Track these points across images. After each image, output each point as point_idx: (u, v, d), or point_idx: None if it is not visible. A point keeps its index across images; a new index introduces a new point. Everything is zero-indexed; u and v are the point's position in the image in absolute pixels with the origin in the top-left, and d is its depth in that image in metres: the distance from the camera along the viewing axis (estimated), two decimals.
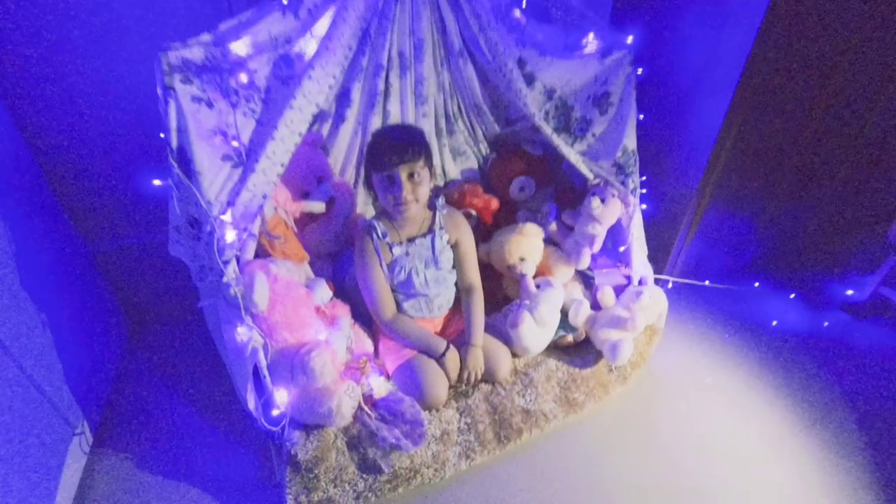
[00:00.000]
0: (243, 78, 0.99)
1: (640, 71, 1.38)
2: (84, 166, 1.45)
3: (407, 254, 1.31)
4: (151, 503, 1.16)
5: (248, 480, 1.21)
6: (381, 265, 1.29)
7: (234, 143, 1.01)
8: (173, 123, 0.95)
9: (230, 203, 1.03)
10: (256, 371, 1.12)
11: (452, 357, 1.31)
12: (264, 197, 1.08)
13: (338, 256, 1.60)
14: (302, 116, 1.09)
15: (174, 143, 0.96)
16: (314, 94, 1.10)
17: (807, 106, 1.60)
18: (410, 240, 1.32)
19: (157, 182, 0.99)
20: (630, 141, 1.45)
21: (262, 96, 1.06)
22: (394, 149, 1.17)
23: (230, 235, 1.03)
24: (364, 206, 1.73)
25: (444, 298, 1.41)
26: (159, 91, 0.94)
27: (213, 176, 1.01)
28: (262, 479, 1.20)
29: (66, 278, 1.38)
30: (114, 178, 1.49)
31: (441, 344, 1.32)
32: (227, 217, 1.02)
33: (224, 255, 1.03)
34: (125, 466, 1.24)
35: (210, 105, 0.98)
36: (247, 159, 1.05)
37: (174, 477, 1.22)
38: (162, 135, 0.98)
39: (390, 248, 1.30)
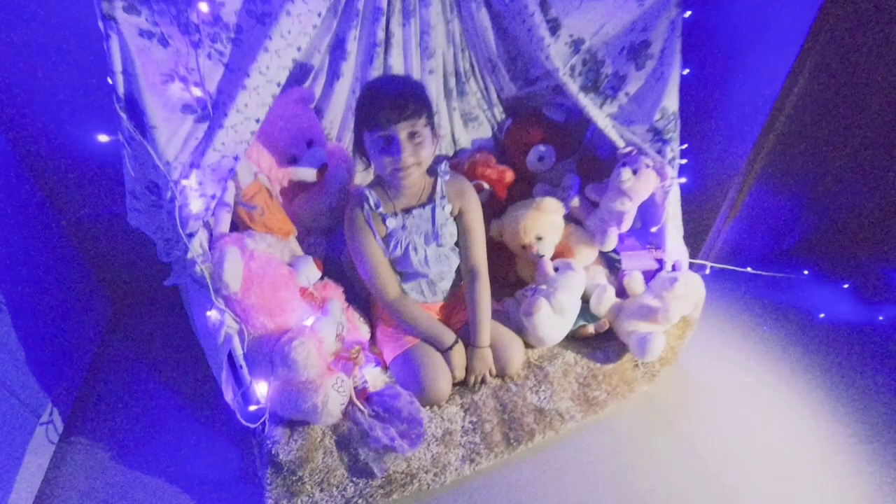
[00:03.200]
0: (204, 8, 0.81)
1: (687, 14, 1.15)
2: (50, 125, 1.30)
3: (403, 227, 1.15)
4: (122, 498, 1.06)
5: (229, 477, 1.10)
6: (375, 238, 1.13)
7: (196, 92, 0.84)
8: (117, 64, 0.78)
9: (194, 164, 0.87)
10: (234, 360, 0.98)
11: (459, 351, 1.17)
12: (235, 158, 0.91)
13: (333, 232, 1.45)
14: (280, 62, 0.91)
15: (121, 89, 0.80)
16: (295, 34, 0.91)
17: (885, 67, 1.34)
18: (407, 211, 1.15)
19: (103, 137, 0.82)
20: (671, 101, 1.23)
21: (232, 36, 0.88)
22: (391, 104, 0.98)
23: (195, 204, 0.87)
24: (364, 176, 1.56)
25: (449, 281, 1.24)
26: (100, 23, 0.76)
27: (172, 131, 0.84)
28: (243, 476, 1.09)
29: (33, 253, 1.25)
30: (85, 138, 1.33)
31: (450, 337, 1.17)
32: (190, 181, 0.86)
33: (188, 226, 0.87)
34: (97, 457, 1.14)
35: (164, 42, 0.81)
36: (213, 112, 0.88)
37: (149, 470, 1.11)
38: (110, 79, 0.81)
39: (384, 220, 1.13)
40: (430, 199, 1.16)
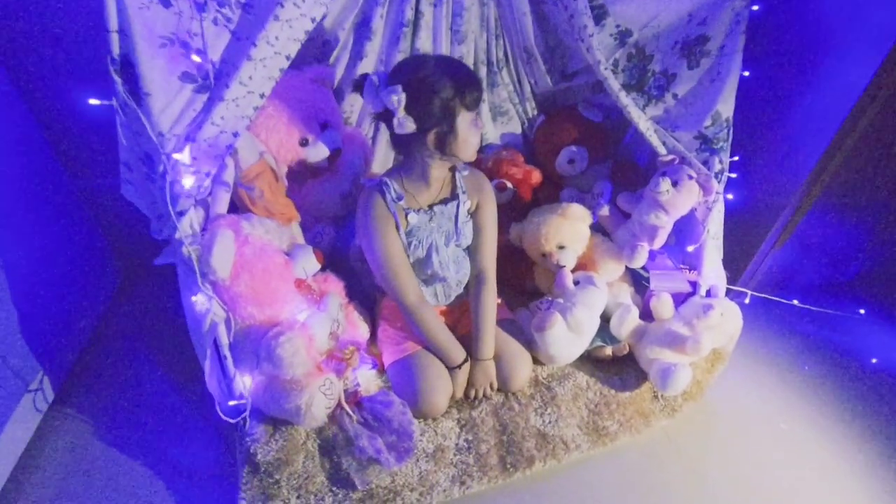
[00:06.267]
0: None
1: (755, 7, 1.01)
2: (68, 90, 1.27)
3: (430, 222, 1.05)
4: (100, 476, 1.03)
5: (208, 468, 1.05)
6: (398, 230, 1.03)
7: (196, 58, 0.77)
8: (113, 22, 0.72)
9: (189, 138, 0.81)
10: (219, 349, 0.93)
11: (465, 370, 1.09)
12: (235, 135, 0.85)
13: (343, 221, 1.38)
14: (291, 33, 0.84)
15: (115, 49, 0.74)
16: (310, 3, 0.84)
17: None
18: (430, 207, 1.06)
19: (93, 101, 0.77)
20: (726, 106, 1.10)
21: (242, 0, 0.81)
22: (479, 81, 0.95)
23: (187, 180, 0.81)
24: (383, 166, 1.48)
25: (463, 286, 1.15)
26: None
27: (168, 100, 0.78)
28: (222, 469, 1.04)
29: (43, 219, 1.23)
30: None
31: (460, 355, 1.08)
32: (183, 156, 0.80)
33: (178, 204, 0.82)
34: (83, 431, 1.11)
35: (165, 2, 0.75)
36: (215, 83, 0.81)
37: (131, 451, 1.08)
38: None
39: (405, 216, 1.03)
40: (453, 195, 1.07)
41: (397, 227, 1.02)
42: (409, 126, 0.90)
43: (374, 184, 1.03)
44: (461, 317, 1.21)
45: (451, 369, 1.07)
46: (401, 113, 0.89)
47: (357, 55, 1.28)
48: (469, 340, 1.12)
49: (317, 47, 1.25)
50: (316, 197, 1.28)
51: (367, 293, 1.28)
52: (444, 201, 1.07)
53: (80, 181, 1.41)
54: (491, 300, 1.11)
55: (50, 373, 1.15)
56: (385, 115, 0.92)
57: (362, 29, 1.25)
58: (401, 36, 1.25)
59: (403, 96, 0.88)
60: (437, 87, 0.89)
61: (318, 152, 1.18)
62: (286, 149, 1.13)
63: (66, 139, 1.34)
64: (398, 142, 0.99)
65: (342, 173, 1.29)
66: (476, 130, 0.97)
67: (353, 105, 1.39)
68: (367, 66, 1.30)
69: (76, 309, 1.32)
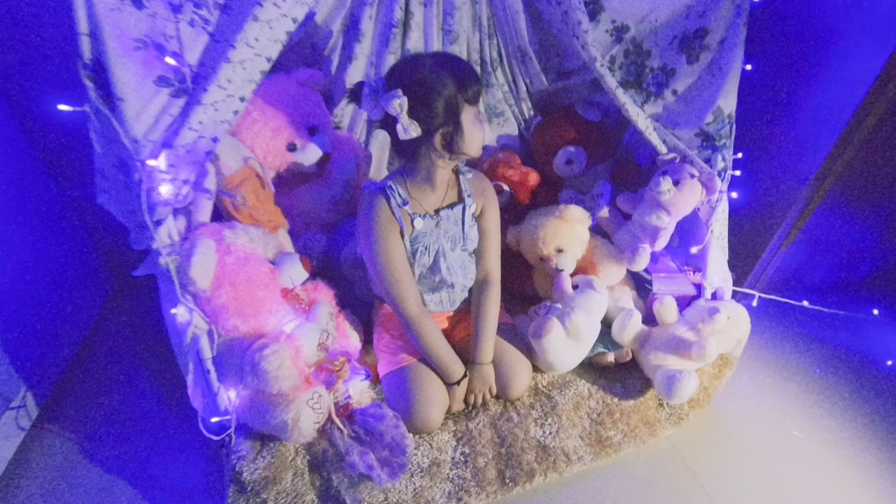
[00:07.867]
0: None
1: None
2: (55, 95, 1.25)
3: (436, 227, 1.01)
4: (83, 495, 0.99)
5: (195, 487, 1.01)
6: (402, 236, 0.99)
7: (170, 61, 0.74)
8: (83, 25, 0.69)
9: (166, 144, 0.78)
10: (202, 363, 0.89)
11: (464, 385, 1.04)
12: (214, 140, 0.82)
13: (335, 227, 1.34)
14: (272, 34, 0.80)
15: (87, 53, 0.71)
16: (291, 3, 0.80)
17: None
18: (436, 212, 1.01)
19: (63, 107, 0.74)
20: (727, 102, 1.06)
21: (221, 2, 0.78)
22: (477, 74, 0.94)
23: (164, 188, 0.78)
24: (377, 170, 1.45)
25: (468, 290, 1.12)
26: None
27: (142, 105, 0.75)
28: (209, 488, 1.00)
29: (28, 229, 1.21)
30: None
31: (458, 371, 1.03)
32: (159, 162, 0.77)
33: (155, 213, 0.78)
34: (67, 448, 1.08)
35: (138, 3, 0.72)
36: (192, 86, 0.78)
37: (117, 469, 1.04)
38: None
39: (411, 221, 0.99)
40: (459, 199, 1.04)
41: (402, 234, 0.98)
42: (415, 130, 0.86)
43: (377, 188, 0.99)
44: (461, 320, 1.17)
45: (449, 385, 1.03)
46: (404, 118, 0.84)
47: (347, 57, 1.26)
48: (468, 344, 1.08)
49: (305, 49, 1.23)
50: (306, 203, 1.24)
51: (361, 301, 1.24)
52: (451, 205, 1.03)
53: (69, 190, 1.38)
54: (494, 304, 1.07)
55: (33, 389, 1.12)
56: (386, 122, 0.88)
57: (351, 30, 1.22)
58: (391, 37, 1.22)
59: (405, 100, 0.83)
60: (438, 86, 0.85)
61: (307, 157, 1.14)
62: (273, 154, 1.10)
63: (52, 146, 1.32)
64: (402, 147, 0.94)
65: (333, 178, 1.26)
66: (480, 125, 0.93)
67: (345, 109, 1.36)
68: (357, 68, 1.27)
69: (63, 322, 1.29)
